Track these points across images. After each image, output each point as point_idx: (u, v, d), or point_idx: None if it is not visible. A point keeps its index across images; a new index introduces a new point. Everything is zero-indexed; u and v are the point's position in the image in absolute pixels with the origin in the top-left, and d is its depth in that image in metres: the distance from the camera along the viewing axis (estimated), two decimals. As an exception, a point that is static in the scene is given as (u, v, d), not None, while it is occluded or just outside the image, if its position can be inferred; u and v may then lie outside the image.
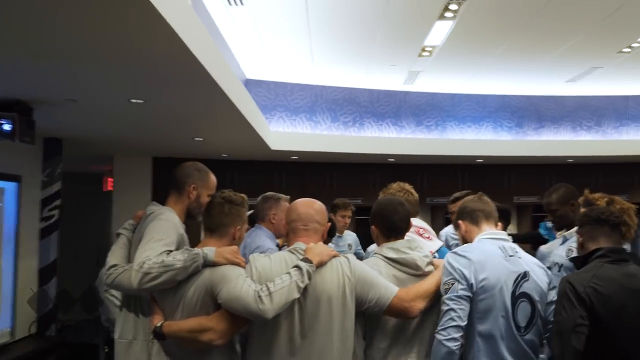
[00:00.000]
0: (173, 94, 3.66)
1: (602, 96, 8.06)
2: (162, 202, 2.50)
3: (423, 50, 5.76)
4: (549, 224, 4.60)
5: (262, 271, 2.07)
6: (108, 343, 3.87)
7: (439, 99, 7.77)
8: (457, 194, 4.16)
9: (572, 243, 2.94)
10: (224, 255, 2.09)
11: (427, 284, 2.17)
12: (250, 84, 6.84)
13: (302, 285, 1.97)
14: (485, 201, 2.42)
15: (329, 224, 2.33)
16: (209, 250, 2.09)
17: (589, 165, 8.21)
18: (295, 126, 7.12)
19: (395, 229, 2.29)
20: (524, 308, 2.13)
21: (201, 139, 5.50)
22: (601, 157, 7.82)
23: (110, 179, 8.19)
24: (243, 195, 2.32)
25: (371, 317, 2.17)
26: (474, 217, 2.34)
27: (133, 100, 3.70)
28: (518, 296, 2.13)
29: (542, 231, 4.30)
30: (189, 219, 2.55)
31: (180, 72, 3.12)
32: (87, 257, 7.41)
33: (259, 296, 1.92)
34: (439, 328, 2.05)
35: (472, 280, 2.08)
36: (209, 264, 2.07)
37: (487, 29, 5.29)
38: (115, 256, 2.39)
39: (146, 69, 3.07)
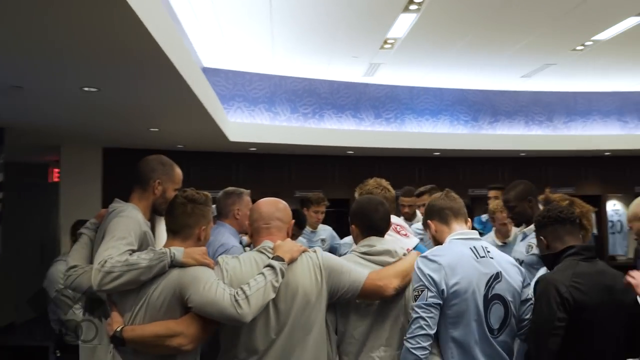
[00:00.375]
0: (130, 81, 3.45)
1: (553, 92, 8.32)
2: (125, 198, 2.37)
3: (385, 42, 5.73)
4: (484, 218, 4.71)
5: (232, 273, 2.01)
6: (60, 346, 3.64)
7: (398, 92, 7.79)
8: (422, 189, 4.16)
9: (532, 239, 2.97)
10: (193, 256, 2.00)
11: (400, 264, 2.20)
12: (207, 73, 6.59)
13: (277, 285, 1.94)
14: (452, 198, 2.36)
15: (292, 221, 2.28)
16: (177, 250, 1.99)
17: (540, 159, 8.48)
18: (254, 117, 6.95)
19: (376, 228, 2.28)
20: (496, 310, 2.10)
21: (157, 130, 5.26)
22: (552, 152, 8.08)
23: (55, 170, 7.78)
24: (206, 193, 2.22)
25: (343, 308, 2.16)
26: (442, 215, 2.29)
27: (86, 89, 3.47)
28: (490, 299, 2.09)
29: (476, 225, 4.40)
30: (155, 214, 2.44)
31: (139, 57, 2.93)
32: (31, 252, 7.02)
33: (236, 300, 1.86)
34: (407, 335, 2.02)
35: (443, 286, 2.03)
36: (176, 264, 1.97)
37: (450, 23, 5.31)
38: (75, 256, 2.27)
39: (101, 54, 2.87)
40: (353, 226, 2.33)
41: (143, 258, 1.94)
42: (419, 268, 2.08)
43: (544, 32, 5.55)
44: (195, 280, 1.92)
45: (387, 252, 2.25)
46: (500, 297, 2.10)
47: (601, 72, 7.26)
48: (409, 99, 7.84)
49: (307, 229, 4.74)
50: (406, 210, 4.62)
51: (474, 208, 8.78)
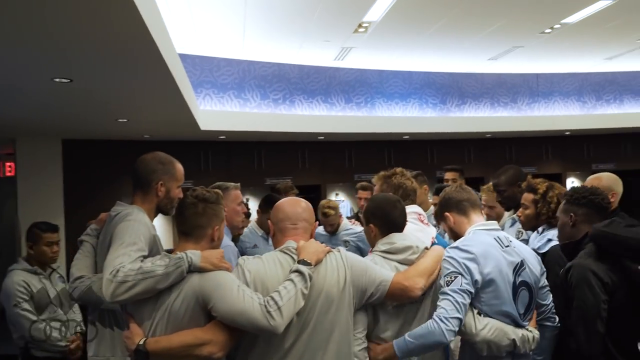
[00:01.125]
0: (108, 70, 3.18)
1: (517, 74, 8.46)
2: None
3: (360, 26, 5.61)
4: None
5: (255, 275, 1.92)
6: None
7: (368, 76, 7.71)
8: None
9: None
10: (211, 261, 1.89)
11: (424, 262, 2.19)
12: (172, 58, 6.30)
13: (306, 292, 1.88)
14: (468, 190, 2.39)
15: (317, 222, 2.23)
16: (193, 254, 1.88)
17: (504, 139, 8.65)
18: (224, 104, 6.71)
19: (396, 225, 2.28)
20: (523, 296, 2.18)
21: (125, 120, 4.96)
22: (516, 132, 8.26)
23: (8, 164, 7.31)
24: (217, 190, 2.12)
25: (370, 310, 2.12)
26: (461, 207, 2.31)
27: (57, 80, 3.18)
28: (518, 285, 2.17)
29: None
30: (162, 214, 2.34)
31: (122, 43, 2.66)
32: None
33: (268, 311, 1.78)
34: (442, 314, 2.02)
35: (477, 276, 2.08)
36: (195, 269, 1.86)
37: (426, 7, 5.24)
38: (80, 266, 2.15)
39: (76, 40, 2.58)
40: (371, 226, 2.30)
41: (158, 265, 1.83)
42: (452, 257, 2.10)
43: (516, 15, 5.58)
44: (218, 288, 1.82)
45: (409, 249, 2.22)
46: (526, 284, 2.19)
47: (564, 54, 7.42)
48: (378, 82, 7.78)
49: None
50: (363, 204, 4.49)
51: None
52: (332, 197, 8.14)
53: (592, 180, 2.98)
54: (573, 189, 2.51)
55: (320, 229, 4.47)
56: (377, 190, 2.92)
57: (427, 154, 8.35)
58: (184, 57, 6.27)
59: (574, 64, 8.18)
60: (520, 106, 8.55)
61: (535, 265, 2.26)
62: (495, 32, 6.11)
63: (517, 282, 2.16)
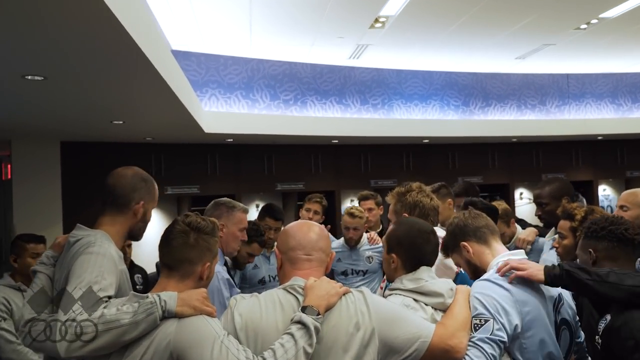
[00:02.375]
0: (83, 67, 2.83)
1: (545, 74, 7.93)
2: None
3: (376, 21, 5.17)
4: None
5: (248, 320, 1.55)
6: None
7: (385, 75, 7.25)
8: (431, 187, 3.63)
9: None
10: (191, 304, 1.56)
11: (462, 311, 1.78)
12: (176, 56, 5.92)
13: (310, 351, 1.47)
14: (483, 215, 2.10)
15: (333, 253, 1.83)
16: (169, 296, 1.55)
17: (531, 144, 8.12)
18: (231, 105, 6.32)
19: (427, 262, 1.89)
20: (565, 337, 1.93)
21: (121, 122, 4.61)
22: (544, 137, 7.72)
23: (8, 166, 7.05)
24: (214, 219, 1.79)
25: None
26: (479, 235, 2.01)
27: (29, 77, 2.83)
28: (560, 324, 1.92)
29: None
30: (130, 240, 2.06)
31: (94, 38, 2.34)
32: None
33: None
34: None
35: (516, 320, 1.74)
36: (169, 315, 1.53)
37: (447, 1, 4.79)
38: (32, 305, 1.77)
39: (47, 33, 2.27)
40: (394, 256, 1.90)
41: (125, 312, 1.53)
42: (483, 294, 1.79)
43: (548, 10, 5.08)
44: (197, 343, 1.47)
45: (438, 295, 1.80)
46: (566, 322, 1.94)
47: (598, 52, 6.86)
48: (396, 82, 7.32)
49: None
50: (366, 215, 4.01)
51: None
52: (347, 203, 7.71)
53: (627, 196, 2.64)
54: (591, 220, 2.09)
55: (336, 244, 4.01)
56: (391, 211, 2.50)
57: (448, 160, 7.85)
58: (187, 55, 5.92)
59: (608, 63, 7.60)
60: (549, 108, 8.00)
61: (569, 299, 1.99)
62: (524, 28, 5.62)
63: (558, 320, 1.90)
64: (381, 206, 4.13)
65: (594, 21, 5.43)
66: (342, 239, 3.96)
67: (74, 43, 2.42)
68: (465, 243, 1.99)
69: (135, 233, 2.01)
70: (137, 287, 3.70)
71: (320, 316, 1.50)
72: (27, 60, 2.61)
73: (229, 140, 6.39)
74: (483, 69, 7.58)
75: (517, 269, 1.82)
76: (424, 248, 1.89)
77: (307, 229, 1.75)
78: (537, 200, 3.08)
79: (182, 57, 5.95)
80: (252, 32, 5.44)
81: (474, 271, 1.98)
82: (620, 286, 1.74)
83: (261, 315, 1.55)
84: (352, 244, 3.82)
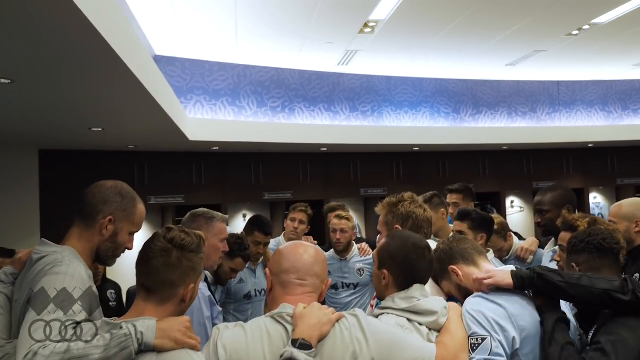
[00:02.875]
0: (53, 71, 2.65)
1: (536, 81, 7.86)
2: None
3: (366, 25, 5.05)
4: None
5: (232, 352, 1.40)
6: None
7: (375, 82, 7.13)
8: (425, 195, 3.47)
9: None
10: (172, 335, 1.39)
11: (459, 331, 1.66)
12: (160, 62, 5.76)
13: None
14: (467, 238, 2.10)
15: (329, 280, 1.68)
16: (146, 327, 1.37)
17: (522, 151, 8.04)
18: (216, 112, 6.15)
19: (420, 280, 1.76)
20: None
21: (100, 130, 4.42)
22: (535, 145, 7.63)
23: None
24: (199, 233, 1.61)
25: None
26: (466, 256, 1.92)
27: (-4, 81, 2.65)
28: None
29: None
30: (97, 262, 1.80)
31: (65, 41, 2.17)
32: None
33: None
34: None
35: (513, 333, 1.64)
36: (147, 349, 1.35)
37: (438, 5, 4.67)
38: None
39: (12, 33, 2.09)
40: (385, 272, 1.76)
41: (95, 345, 1.34)
42: (476, 311, 1.69)
43: (539, 15, 4.99)
44: None
45: (432, 314, 1.66)
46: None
47: (589, 59, 6.81)
48: (386, 89, 7.20)
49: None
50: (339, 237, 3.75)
51: (455, 206, 8.34)
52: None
53: (614, 209, 2.58)
54: (572, 236, 2.09)
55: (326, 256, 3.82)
56: (381, 222, 2.33)
57: (438, 168, 7.73)
58: (171, 61, 5.76)
59: (598, 70, 7.56)
60: (539, 116, 7.93)
61: (572, 318, 1.87)
62: (516, 34, 5.52)
63: None
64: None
65: (585, 27, 5.35)
66: (332, 250, 3.80)
67: (41, 45, 2.25)
68: (453, 267, 1.90)
69: (102, 255, 1.77)
70: (110, 303, 3.50)
71: (313, 350, 1.35)
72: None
73: (214, 148, 6.21)
74: (474, 76, 7.49)
75: (484, 279, 1.77)
76: (418, 265, 1.76)
77: (303, 252, 1.59)
78: (537, 207, 2.97)
79: (167, 63, 5.78)
80: (238, 36, 5.29)
81: (466, 295, 1.86)
82: (592, 289, 1.72)
83: (247, 347, 1.39)
84: (341, 249, 3.65)
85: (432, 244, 2.16)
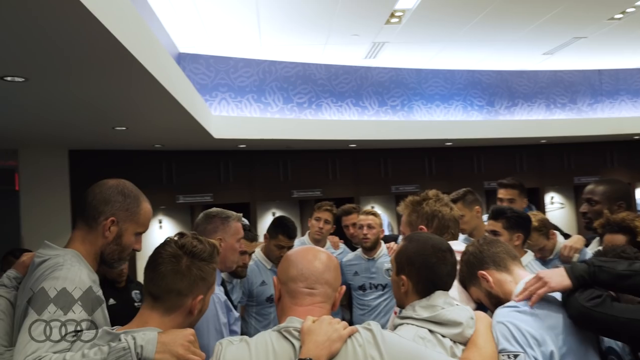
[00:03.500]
0: (68, 70, 2.60)
1: (575, 70, 7.48)
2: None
3: (392, 15, 4.86)
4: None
5: None
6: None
7: (404, 75, 6.92)
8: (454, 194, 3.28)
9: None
10: (173, 350, 1.31)
11: (487, 346, 1.49)
12: (184, 59, 5.73)
13: None
14: (500, 241, 1.88)
15: (343, 288, 1.52)
16: (147, 340, 1.30)
17: (561, 145, 7.67)
18: (242, 109, 6.07)
19: (442, 286, 1.60)
20: None
21: (124, 129, 4.40)
22: (576, 137, 7.26)
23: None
24: (214, 242, 1.54)
25: None
26: (498, 261, 1.76)
27: (9, 79, 2.61)
28: (606, 352, 1.67)
29: None
30: (104, 266, 1.72)
31: (77, 41, 2.10)
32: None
33: None
34: None
35: (551, 346, 1.47)
36: None
37: (469, -10, 4.46)
38: None
39: (27, 34, 2.05)
40: (404, 278, 1.61)
41: (92, 359, 1.28)
42: (508, 323, 1.50)
43: (574, 1, 4.69)
44: None
45: (457, 325, 1.50)
46: (614, 352, 1.67)
47: (635, 45, 6.41)
48: (416, 82, 6.97)
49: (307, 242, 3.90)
50: (352, 232, 3.83)
51: (490, 204, 8.02)
52: (367, 210, 7.37)
53: None
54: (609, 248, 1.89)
55: (352, 256, 3.71)
56: (404, 222, 2.18)
57: (472, 163, 7.46)
58: (196, 58, 5.71)
59: (643, 57, 7.13)
60: (580, 107, 7.54)
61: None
62: (552, 20, 5.23)
63: (604, 349, 1.66)
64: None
65: (630, 10, 5.01)
66: (359, 250, 3.66)
67: (52, 44, 2.20)
68: (483, 272, 1.74)
69: (109, 258, 1.69)
70: (135, 304, 3.46)
71: None
72: (7, 60, 2.40)
73: (241, 146, 6.13)
74: (508, 67, 7.19)
75: (537, 288, 1.55)
76: (439, 269, 1.60)
77: (313, 257, 1.45)
78: (587, 195, 2.74)
79: (191, 60, 5.74)
80: (261, 31, 5.19)
81: (497, 304, 1.69)
82: None
83: None
84: (368, 245, 3.51)
85: (460, 246, 2.00)
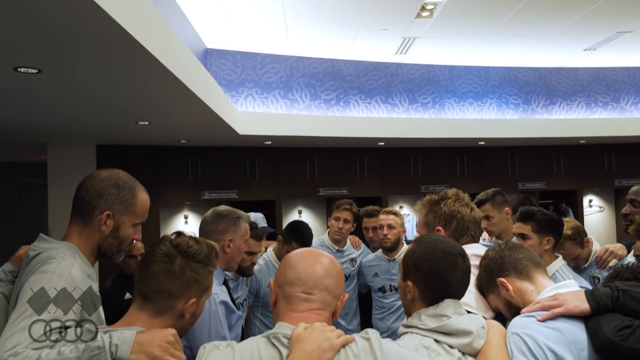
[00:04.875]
0: (80, 62, 2.56)
1: (619, 67, 7.11)
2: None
3: (422, 9, 4.69)
4: None
5: None
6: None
7: (436, 72, 6.71)
8: (481, 196, 3.10)
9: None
10: (149, 351, 1.24)
11: (500, 358, 1.36)
12: (211, 55, 5.69)
13: None
14: (524, 246, 1.75)
15: (345, 296, 1.41)
16: (122, 339, 1.25)
17: (602, 146, 7.31)
18: (268, 105, 6.00)
19: (452, 294, 1.47)
20: None
21: (146, 123, 4.37)
22: (618, 138, 6.89)
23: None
24: (212, 243, 1.46)
25: None
26: (520, 268, 1.63)
27: (22, 70, 2.59)
28: None
29: None
30: (103, 258, 1.69)
31: (86, 31, 2.06)
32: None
33: None
34: None
35: None
36: None
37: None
38: None
39: (40, 27, 2.01)
40: (409, 283, 1.48)
41: (67, 357, 1.24)
42: (526, 334, 1.37)
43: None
44: None
45: (466, 335, 1.37)
46: None
47: (684, 40, 6.02)
48: (448, 79, 6.76)
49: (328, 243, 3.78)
50: (371, 235, 3.67)
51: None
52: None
53: None
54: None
55: (372, 256, 3.59)
56: (420, 223, 2.03)
57: (506, 164, 7.19)
58: (222, 54, 5.66)
59: (694, 53, 6.70)
60: (623, 106, 7.17)
61: None
62: (594, 13, 4.94)
63: None
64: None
65: (679, 2, 4.69)
66: (380, 250, 3.54)
67: (65, 36, 2.15)
68: (503, 279, 1.61)
69: (107, 252, 1.65)
70: None
71: None
72: (20, 51, 2.37)
73: (267, 142, 6.07)
74: (546, 63, 6.88)
75: (552, 307, 1.41)
76: (448, 275, 1.46)
77: (313, 260, 1.35)
78: (631, 197, 2.61)
79: (217, 56, 5.70)
80: (288, 26, 5.09)
81: (516, 314, 1.54)
82: None
83: None
84: (388, 246, 3.38)
85: (482, 249, 1.85)
